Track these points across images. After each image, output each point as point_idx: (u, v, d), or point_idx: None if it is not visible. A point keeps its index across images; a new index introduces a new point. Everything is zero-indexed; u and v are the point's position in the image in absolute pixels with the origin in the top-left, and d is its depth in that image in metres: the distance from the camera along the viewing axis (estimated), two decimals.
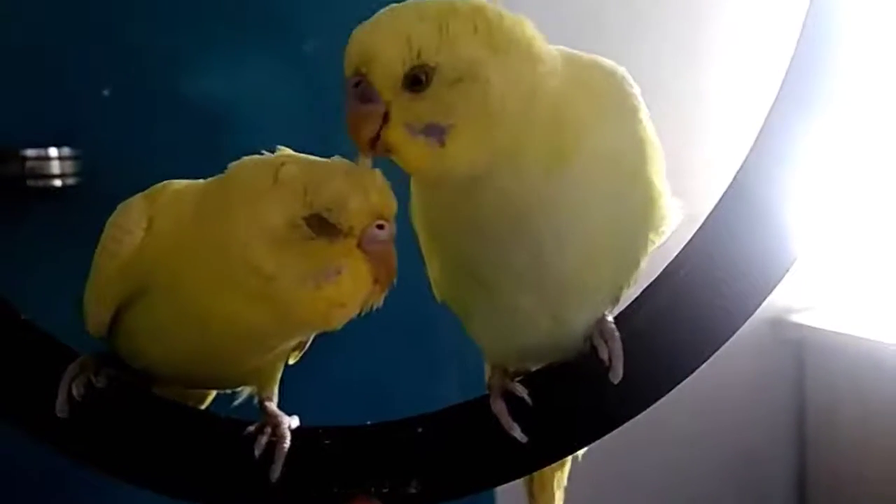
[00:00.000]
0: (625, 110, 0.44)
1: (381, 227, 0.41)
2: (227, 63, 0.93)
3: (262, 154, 0.44)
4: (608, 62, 0.45)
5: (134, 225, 0.44)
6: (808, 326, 1.49)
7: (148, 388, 0.49)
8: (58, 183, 0.89)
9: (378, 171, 0.42)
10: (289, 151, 0.44)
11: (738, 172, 0.49)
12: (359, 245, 0.41)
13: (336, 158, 0.43)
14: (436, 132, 0.40)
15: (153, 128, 0.92)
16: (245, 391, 0.51)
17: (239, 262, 0.40)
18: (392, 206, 0.42)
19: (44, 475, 0.83)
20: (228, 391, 0.52)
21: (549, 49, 0.43)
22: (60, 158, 0.89)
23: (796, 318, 1.49)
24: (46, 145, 0.87)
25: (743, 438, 1.55)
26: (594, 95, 0.43)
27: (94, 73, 0.90)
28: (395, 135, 0.41)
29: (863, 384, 1.45)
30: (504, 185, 0.41)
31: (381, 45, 0.40)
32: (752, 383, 1.48)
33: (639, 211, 0.45)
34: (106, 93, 0.90)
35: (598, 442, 0.48)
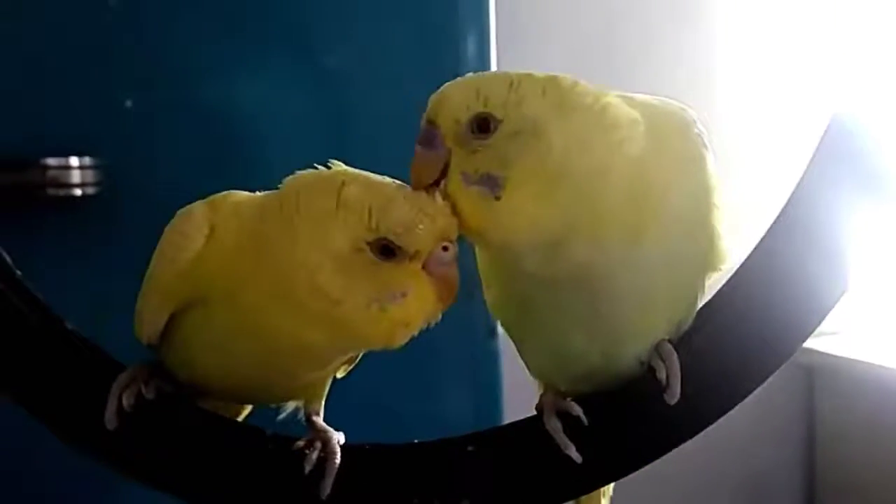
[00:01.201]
0: (696, 160, 0.43)
1: (445, 248, 0.41)
2: (249, 75, 0.93)
3: (316, 168, 0.43)
4: (677, 106, 0.44)
5: (196, 231, 0.43)
6: (819, 352, 1.49)
7: (193, 401, 0.48)
8: (78, 192, 0.88)
9: (438, 191, 0.42)
10: (344, 167, 0.43)
11: (793, 192, 0.49)
12: (423, 267, 0.41)
13: (392, 180, 0.43)
14: (491, 183, 0.40)
15: (174, 139, 0.92)
16: (290, 405, 0.50)
17: (304, 284, 0.40)
18: (456, 226, 0.41)
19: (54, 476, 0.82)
20: (274, 406, 0.51)
21: (630, 113, 0.41)
22: (81, 168, 0.88)
23: (807, 343, 1.49)
24: (67, 154, 0.87)
25: (753, 462, 1.55)
26: (672, 155, 0.42)
27: (116, 83, 0.90)
28: (453, 184, 0.41)
29: (872, 409, 1.45)
30: (577, 254, 0.40)
31: (452, 92, 0.41)
32: (762, 407, 1.47)
33: (700, 256, 0.44)
34: (129, 103, 0.90)
35: None
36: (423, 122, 0.42)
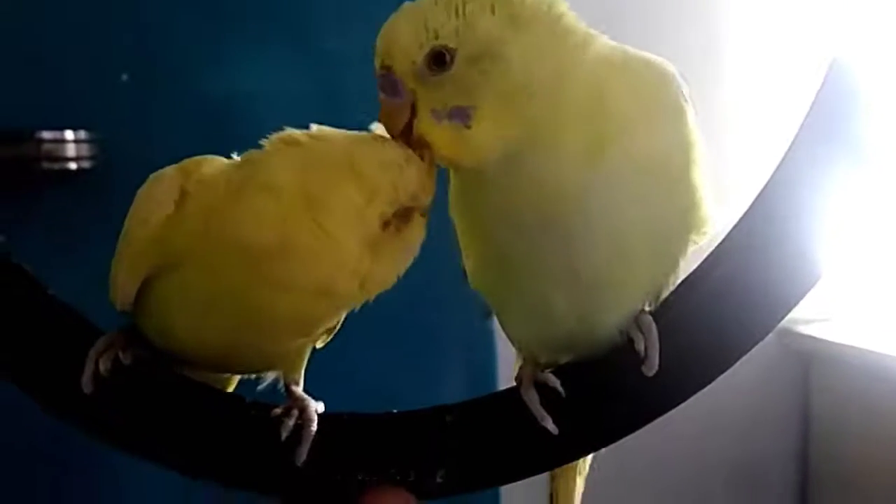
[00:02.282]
0: (674, 110, 0.43)
1: None
2: (246, 53, 0.93)
3: (269, 141, 0.43)
4: (659, 59, 0.44)
5: (165, 196, 0.43)
6: (815, 338, 1.49)
7: (172, 367, 0.48)
8: (73, 166, 0.89)
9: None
10: (315, 130, 0.44)
11: (774, 171, 0.48)
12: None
13: (374, 132, 0.43)
14: (461, 115, 0.40)
15: (170, 114, 0.92)
16: (270, 376, 0.50)
17: (345, 279, 0.41)
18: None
19: (53, 454, 0.82)
20: (253, 376, 0.51)
21: (585, 29, 0.42)
22: (76, 141, 0.89)
23: (803, 329, 1.49)
24: (63, 128, 0.87)
25: (747, 448, 1.55)
26: (642, 89, 0.42)
27: (113, 57, 0.90)
28: (424, 124, 0.41)
29: (868, 396, 1.44)
30: (540, 169, 0.41)
31: (398, 33, 0.41)
32: (757, 393, 1.47)
33: (680, 213, 0.44)
34: (125, 77, 0.90)
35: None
36: (378, 68, 0.42)
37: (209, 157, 0.46)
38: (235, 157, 0.45)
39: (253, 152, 0.44)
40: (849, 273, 1.46)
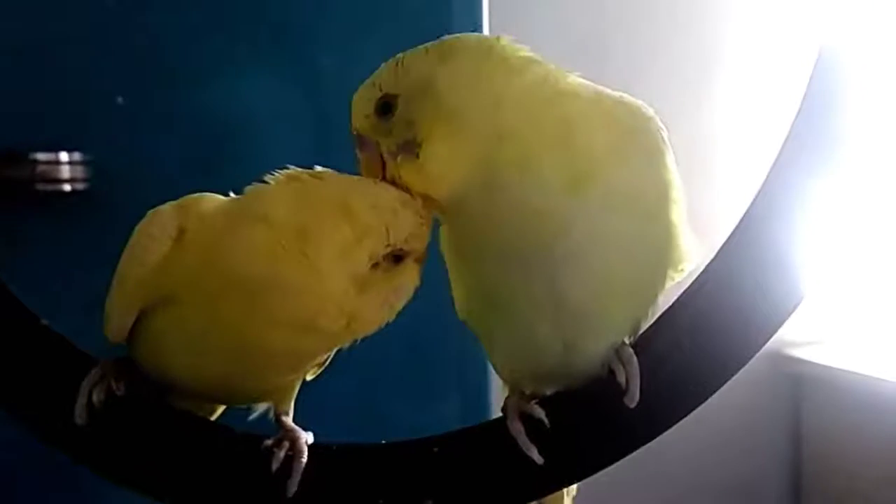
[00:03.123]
0: (650, 151, 0.45)
1: None
2: (241, 73, 0.93)
3: (272, 176, 0.44)
4: (636, 101, 0.45)
5: (162, 233, 0.44)
6: (807, 361, 1.50)
7: (164, 399, 0.48)
8: (67, 188, 0.89)
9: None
10: (299, 171, 0.44)
11: (751, 204, 0.49)
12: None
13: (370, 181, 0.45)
14: (407, 148, 0.43)
15: (164, 137, 0.92)
16: (261, 406, 0.51)
17: (330, 314, 0.42)
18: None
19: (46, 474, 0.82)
20: (244, 406, 0.52)
21: (530, 59, 0.44)
22: (71, 163, 0.89)
23: (794, 352, 1.50)
24: (57, 150, 0.87)
25: (739, 470, 1.55)
26: (616, 128, 0.44)
27: (107, 79, 0.90)
28: (389, 167, 0.44)
29: (859, 419, 1.45)
30: (517, 199, 0.42)
31: (357, 97, 0.45)
32: (749, 416, 1.47)
33: (658, 249, 0.46)
34: (120, 100, 0.91)
35: None
36: (351, 132, 0.46)
37: (207, 194, 0.46)
38: (233, 194, 0.46)
39: (255, 185, 0.45)
40: (839, 297, 1.48)
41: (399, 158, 0.44)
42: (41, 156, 0.87)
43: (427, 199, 0.44)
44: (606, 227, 0.43)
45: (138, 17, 0.92)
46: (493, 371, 0.94)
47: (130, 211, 0.91)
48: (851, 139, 0.48)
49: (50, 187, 0.88)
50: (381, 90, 0.44)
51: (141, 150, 0.91)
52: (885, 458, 1.39)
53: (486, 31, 0.95)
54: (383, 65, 0.45)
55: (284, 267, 0.41)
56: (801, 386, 1.56)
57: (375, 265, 0.42)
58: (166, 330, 0.45)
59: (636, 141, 0.44)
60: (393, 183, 0.44)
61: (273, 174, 0.44)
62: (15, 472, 0.84)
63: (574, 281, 0.43)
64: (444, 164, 0.43)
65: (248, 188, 0.45)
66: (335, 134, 0.94)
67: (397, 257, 0.43)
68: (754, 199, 0.49)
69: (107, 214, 0.89)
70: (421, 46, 0.45)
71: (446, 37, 0.45)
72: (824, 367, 1.48)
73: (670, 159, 0.45)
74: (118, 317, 0.46)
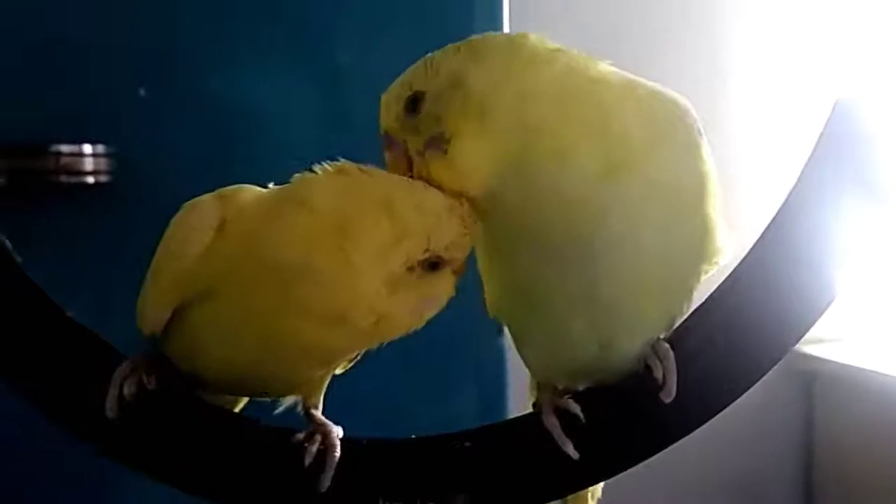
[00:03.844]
0: (687, 142, 0.44)
1: None
2: (264, 68, 0.93)
3: (321, 166, 0.43)
4: (671, 91, 0.45)
5: (204, 225, 0.43)
6: (819, 358, 1.49)
7: (192, 392, 0.48)
8: (91, 180, 0.89)
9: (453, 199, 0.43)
10: (351, 166, 0.43)
11: (786, 199, 0.48)
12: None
13: (423, 188, 0.43)
14: (435, 144, 0.42)
15: (188, 129, 0.92)
16: (289, 400, 0.50)
17: (362, 311, 0.41)
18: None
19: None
20: (270, 399, 0.51)
21: (576, 57, 0.43)
22: (94, 155, 0.89)
23: (807, 349, 1.48)
24: (81, 142, 0.87)
25: (751, 467, 1.55)
26: (652, 118, 0.43)
27: (132, 71, 0.90)
28: (417, 165, 0.43)
29: (871, 417, 1.44)
30: (553, 190, 0.41)
31: (387, 96, 0.45)
32: (762, 412, 1.46)
33: (694, 243, 0.45)
34: (143, 92, 0.90)
35: None
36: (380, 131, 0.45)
37: (246, 185, 0.46)
38: (272, 185, 0.46)
39: (302, 174, 0.44)
40: (853, 294, 1.46)
41: (427, 154, 0.43)
42: (65, 148, 0.87)
43: (461, 198, 0.43)
44: (644, 218, 0.42)
45: (161, 9, 0.91)
46: (511, 367, 0.95)
47: (153, 203, 0.91)
48: (887, 136, 0.47)
49: (73, 179, 0.88)
50: (410, 88, 0.44)
51: (164, 142, 0.91)
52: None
53: (506, 26, 0.95)
54: (413, 65, 0.44)
55: (320, 256, 0.40)
56: (814, 383, 1.55)
57: (411, 268, 0.41)
58: (201, 324, 0.44)
59: (673, 132, 0.43)
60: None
61: (322, 165, 0.44)
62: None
63: (610, 274, 0.43)
64: (473, 159, 0.42)
65: (294, 176, 0.44)
66: (355, 128, 0.94)
67: (434, 264, 0.42)
68: (789, 194, 0.48)
69: (130, 207, 0.89)
70: (450, 45, 0.44)
71: (475, 36, 0.45)
72: (837, 364, 1.47)
73: (706, 151, 0.44)
74: (154, 311, 0.45)
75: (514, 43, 0.43)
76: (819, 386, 1.55)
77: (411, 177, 0.44)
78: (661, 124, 0.43)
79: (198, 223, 0.43)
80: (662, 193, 0.42)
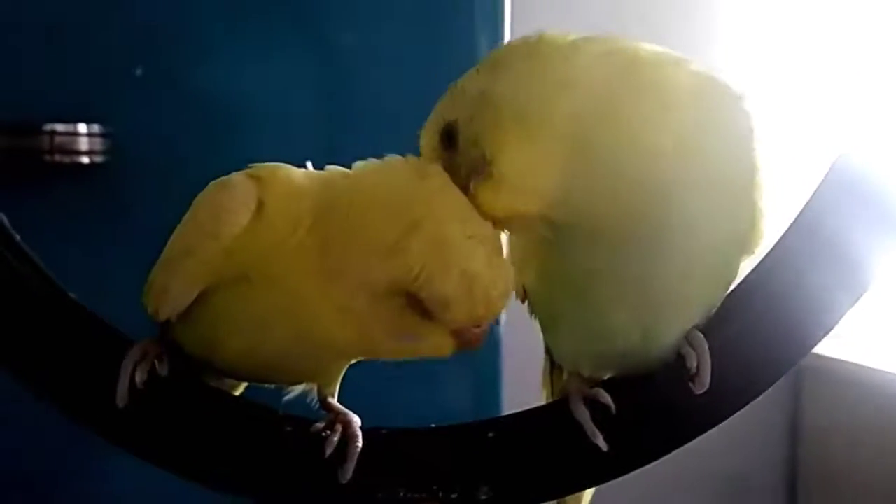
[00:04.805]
0: (742, 130, 0.42)
1: (478, 325, 0.40)
2: (260, 50, 0.91)
3: (406, 159, 0.41)
4: (722, 77, 0.43)
5: (241, 206, 0.40)
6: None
7: (199, 377, 0.46)
8: (85, 160, 0.86)
9: (505, 273, 0.40)
10: (436, 183, 0.40)
11: (818, 187, 0.47)
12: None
13: (483, 234, 0.39)
14: (478, 169, 0.39)
15: (183, 110, 0.90)
16: (301, 387, 0.49)
17: (343, 292, 0.39)
18: (499, 312, 0.40)
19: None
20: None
21: (610, 41, 0.41)
22: (89, 135, 0.87)
23: None
24: (76, 121, 0.85)
25: (737, 459, 1.55)
26: (708, 102, 0.41)
27: (128, 51, 0.88)
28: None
29: (858, 410, 1.45)
30: (615, 174, 0.39)
31: (422, 133, 0.42)
32: (748, 407, 1.46)
33: (742, 230, 0.43)
34: (139, 72, 0.88)
35: None
36: None
37: (282, 164, 0.43)
38: (310, 166, 0.43)
39: (370, 161, 0.42)
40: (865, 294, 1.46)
41: (472, 185, 0.39)
42: (59, 127, 0.84)
43: (517, 224, 0.40)
44: (700, 202, 0.40)
45: None
46: (504, 354, 0.93)
47: (149, 184, 0.89)
48: None
49: (67, 159, 0.85)
50: (443, 121, 0.41)
51: (159, 122, 0.89)
52: (883, 450, 1.38)
53: (507, 16, 0.93)
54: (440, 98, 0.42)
55: (334, 226, 0.39)
56: (799, 376, 1.56)
57: (394, 294, 0.38)
58: (227, 309, 0.42)
59: (728, 118, 0.41)
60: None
61: (401, 157, 0.41)
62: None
63: (662, 260, 0.41)
64: (524, 169, 0.39)
65: (357, 163, 0.41)
66: (353, 111, 0.93)
67: (421, 307, 0.38)
68: (822, 181, 0.47)
69: (125, 187, 0.87)
70: (471, 69, 0.42)
71: (492, 51, 0.42)
72: (823, 357, 1.47)
73: (759, 141, 0.42)
74: (179, 293, 0.42)
75: (530, 43, 0.41)
76: (805, 379, 1.55)
77: None
78: (718, 110, 0.41)
79: (233, 204, 0.41)
80: (718, 177, 0.41)
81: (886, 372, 1.40)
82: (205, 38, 0.90)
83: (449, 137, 0.40)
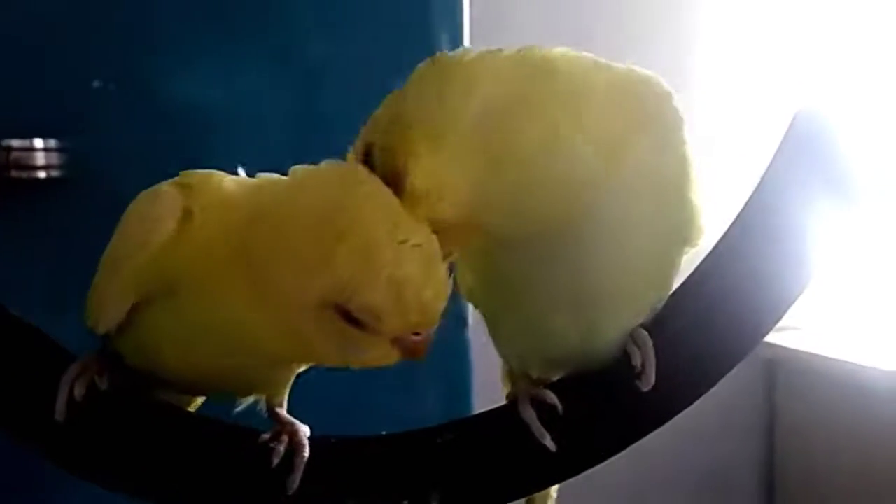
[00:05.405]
0: (669, 126, 0.42)
1: (417, 333, 0.38)
2: (221, 62, 0.91)
3: (338, 165, 0.40)
4: (648, 72, 0.43)
5: (168, 214, 0.40)
6: (780, 346, 1.50)
7: (147, 391, 0.46)
8: (42, 175, 0.85)
9: (439, 276, 0.38)
10: (365, 189, 0.38)
11: (760, 181, 0.47)
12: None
13: (415, 239, 0.38)
14: (396, 181, 0.39)
15: (142, 123, 0.89)
16: (251, 398, 0.48)
17: (275, 309, 0.38)
18: (436, 318, 0.38)
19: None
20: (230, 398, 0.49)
21: (520, 49, 0.41)
22: (46, 150, 0.86)
23: (768, 337, 1.49)
24: (32, 136, 0.84)
25: (713, 455, 1.56)
26: (634, 101, 0.41)
27: (83, 64, 0.87)
28: None
29: (832, 405, 1.46)
30: (543, 180, 0.39)
31: (348, 156, 0.42)
32: (723, 401, 1.47)
33: (678, 227, 0.44)
34: (96, 84, 0.87)
35: None
36: None
37: (215, 172, 0.42)
38: (241, 171, 0.43)
39: (301, 167, 0.41)
40: (816, 282, 1.47)
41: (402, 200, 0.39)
42: (15, 142, 0.83)
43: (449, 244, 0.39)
44: (632, 205, 0.40)
45: (116, 1, 0.88)
46: (475, 359, 0.93)
47: (106, 199, 0.87)
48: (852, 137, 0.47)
49: (24, 174, 0.84)
50: (363, 143, 0.41)
51: (118, 136, 0.88)
52: (858, 443, 1.40)
53: (466, 21, 0.93)
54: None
55: (263, 235, 0.38)
56: (774, 371, 1.57)
57: (327, 307, 0.37)
58: (160, 322, 0.41)
59: (656, 114, 0.42)
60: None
61: (328, 161, 0.41)
62: None
63: (596, 265, 0.41)
64: (436, 177, 0.38)
65: (292, 168, 0.40)
66: (317, 126, 0.92)
67: (354, 320, 0.37)
68: (763, 177, 0.47)
69: (82, 202, 0.86)
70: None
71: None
72: (798, 352, 1.48)
73: (686, 132, 0.43)
74: (111, 307, 0.42)
75: (435, 61, 0.41)
76: (780, 374, 1.57)
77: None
78: (643, 106, 0.41)
79: (159, 212, 0.40)
80: (649, 179, 0.41)
81: (860, 365, 1.41)
82: (164, 50, 0.89)
83: (366, 158, 0.40)
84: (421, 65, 0.41)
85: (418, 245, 0.37)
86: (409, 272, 0.37)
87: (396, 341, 0.38)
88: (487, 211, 0.39)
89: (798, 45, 1.45)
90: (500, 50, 0.41)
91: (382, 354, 0.39)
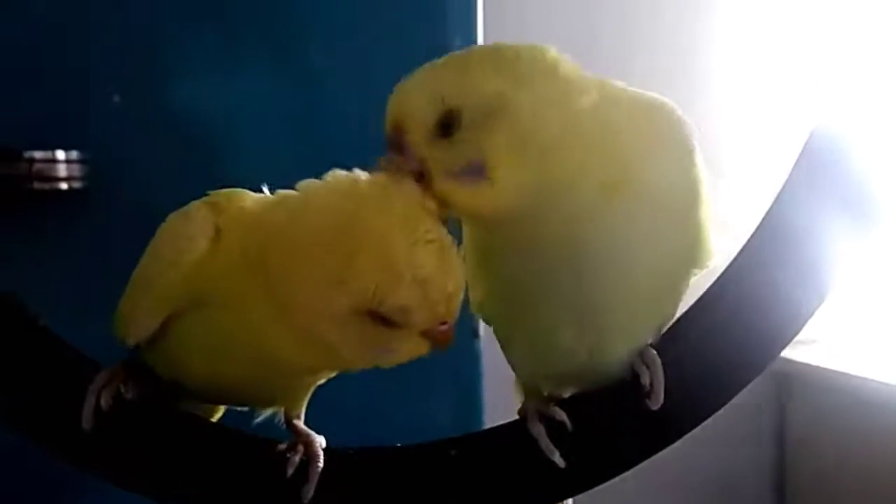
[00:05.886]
0: (683, 151, 0.43)
1: (444, 323, 0.41)
2: (238, 73, 0.92)
3: (345, 177, 0.41)
4: (666, 101, 0.44)
5: (199, 233, 0.42)
6: (793, 361, 1.50)
7: (172, 401, 0.47)
8: (64, 186, 0.87)
9: (456, 266, 0.41)
10: (374, 198, 0.40)
11: (773, 202, 0.48)
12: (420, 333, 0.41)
13: (427, 235, 0.40)
14: (475, 171, 0.40)
15: (162, 136, 0.91)
16: (270, 409, 0.49)
17: (303, 324, 0.40)
18: (458, 306, 0.41)
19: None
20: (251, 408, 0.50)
21: (580, 72, 0.42)
22: (68, 162, 0.87)
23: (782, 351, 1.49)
24: (54, 148, 0.86)
25: (724, 468, 1.56)
26: (652, 130, 0.43)
27: (105, 77, 0.89)
28: (441, 183, 0.41)
29: (844, 419, 1.46)
30: (557, 208, 0.41)
31: (410, 101, 0.41)
32: (734, 414, 1.47)
33: (686, 248, 0.45)
34: (117, 98, 0.89)
35: None
36: (388, 129, 0.42)
37: (239, 190, 0.44)
38: (265, 189, 0.44)
39: (310, 181, 0.42)
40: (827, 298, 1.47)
41: (464, 180, 0.40)
42: (38, 154, 0.85)
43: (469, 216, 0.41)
44: (641, 228, 0.42)
45: (136, 15, 0.90)
46: (486, 371, 0.94)
47: (127, 209, 0.90)
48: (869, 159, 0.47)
49: (46, 186, 0.86)
50: (443, 103, 0.40)
51: (138, 148, 0.90)
52: (868, 457, 1.39)
53: (479, 25, 0.94)
54: (441, 62, 0.42)
55: (281, 252, 0.40)
56: (786, 385, 1.57)
57: (358, 313, 0.39)
58: (189, 334, 0.43)
59: (669, 141, 0.43)
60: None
61: (334, 173, 0.42)
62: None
63: (604, 284, 0.42)
64: (512, 188, 0.40)
65: (300, 183, 0.42)
66: (332, 133, 0.94)
67: (386, 321, 0.40)
68: (777, 197, 0.48)
69: (104, 213, 0.88)
70: (483, 53, 0.42)
71: (500, 45, 0.42)
72: (811, 366, 1.48)
73: (699, 158, 0.44)
74: (144, 321, 0.43)
75: (548, 65, 0.42)
76: (793, 388, 1.56)
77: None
78: (660, 136, 0.43)
79: (192, 232, 0.42)
80: (659, 203, 0.42)
81: (871, 380, 1.41)
82: (182, 63, 0.91)
83: (447, 125, 0.40)
84: (528, 51, 0.41)
85: (431, 241, 0.39)
86: (430, 269, 0.39)
87: (426, 333, 0.41)
88: (513, 218, 0.41)
89: (814, 60, 1.45)
90: (591, 79, 0.42)
91: (414, 347, 0.41)
